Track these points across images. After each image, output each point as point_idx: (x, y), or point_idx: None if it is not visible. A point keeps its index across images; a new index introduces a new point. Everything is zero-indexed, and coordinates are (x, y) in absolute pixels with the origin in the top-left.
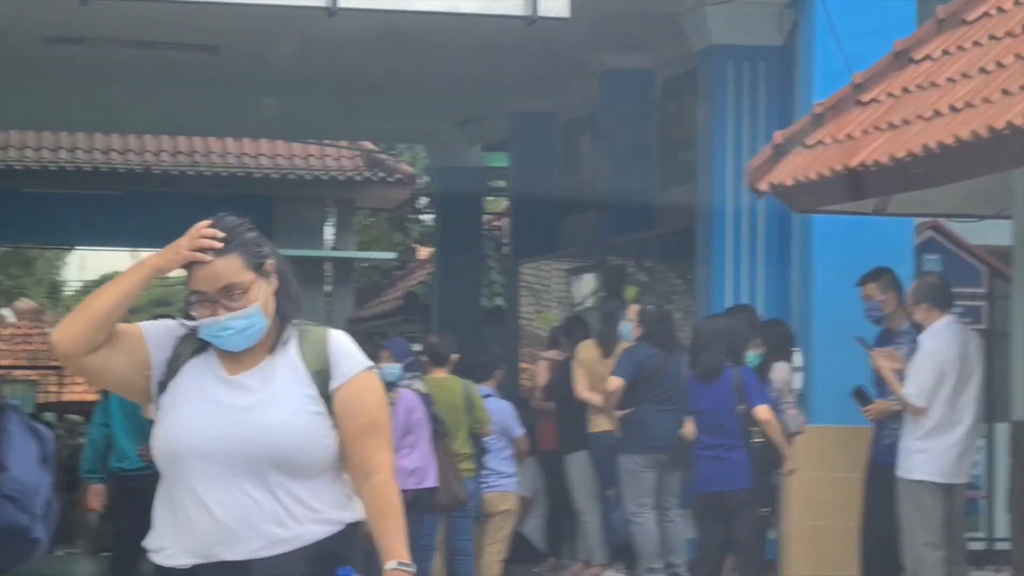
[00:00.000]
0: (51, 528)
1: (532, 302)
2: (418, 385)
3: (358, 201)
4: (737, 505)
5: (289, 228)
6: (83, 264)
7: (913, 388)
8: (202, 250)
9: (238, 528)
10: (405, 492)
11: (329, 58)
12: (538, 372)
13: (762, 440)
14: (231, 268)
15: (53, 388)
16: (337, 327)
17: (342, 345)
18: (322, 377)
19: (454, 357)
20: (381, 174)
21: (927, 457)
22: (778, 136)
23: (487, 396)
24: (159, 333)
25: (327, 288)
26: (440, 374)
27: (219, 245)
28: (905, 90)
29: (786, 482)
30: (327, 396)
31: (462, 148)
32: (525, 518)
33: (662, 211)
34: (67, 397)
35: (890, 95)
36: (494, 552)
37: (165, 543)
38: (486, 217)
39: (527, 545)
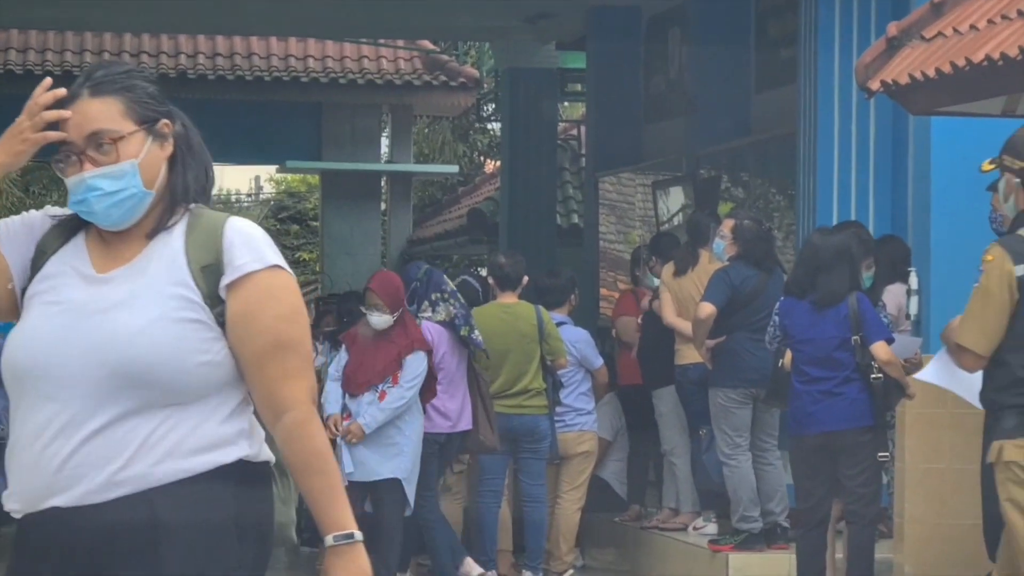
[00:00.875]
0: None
1: (613, 220)
2: (447, 310)
3: (417, 108)
4: (851, 447)
5: (340, 138)
6: None
7: None
8: (55, 127)
9: (72, 467)
10: (437, 435)
11: None
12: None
13: (879, 376)
14: (104, 112)
15: None
16: (395, 248)
17: (242, 234)
18: (210, 273)
19: (524, 280)
20: (443, 77)
21: None
22: (892, 28)
23: (561, 324)
24: (15, 231)
25: (383, 205)
26: (509, 299)
27: (68, 114)
28: None
29: (900, 420)
30: (215, 298)
31: (534, 47)
32: (604, 461)
33: (759, 116)
34: None
35: None
36: (571, 499)
37: (11, 484)
38: (561, 125)
39: (607, 491)
